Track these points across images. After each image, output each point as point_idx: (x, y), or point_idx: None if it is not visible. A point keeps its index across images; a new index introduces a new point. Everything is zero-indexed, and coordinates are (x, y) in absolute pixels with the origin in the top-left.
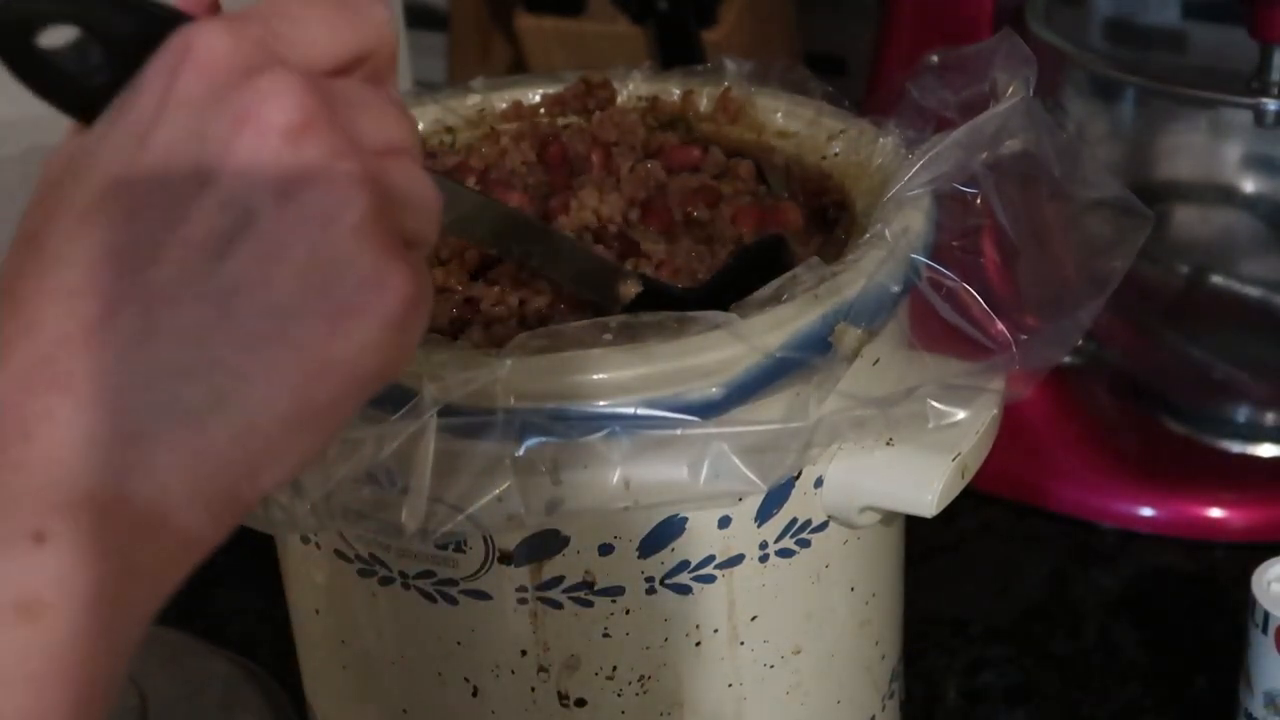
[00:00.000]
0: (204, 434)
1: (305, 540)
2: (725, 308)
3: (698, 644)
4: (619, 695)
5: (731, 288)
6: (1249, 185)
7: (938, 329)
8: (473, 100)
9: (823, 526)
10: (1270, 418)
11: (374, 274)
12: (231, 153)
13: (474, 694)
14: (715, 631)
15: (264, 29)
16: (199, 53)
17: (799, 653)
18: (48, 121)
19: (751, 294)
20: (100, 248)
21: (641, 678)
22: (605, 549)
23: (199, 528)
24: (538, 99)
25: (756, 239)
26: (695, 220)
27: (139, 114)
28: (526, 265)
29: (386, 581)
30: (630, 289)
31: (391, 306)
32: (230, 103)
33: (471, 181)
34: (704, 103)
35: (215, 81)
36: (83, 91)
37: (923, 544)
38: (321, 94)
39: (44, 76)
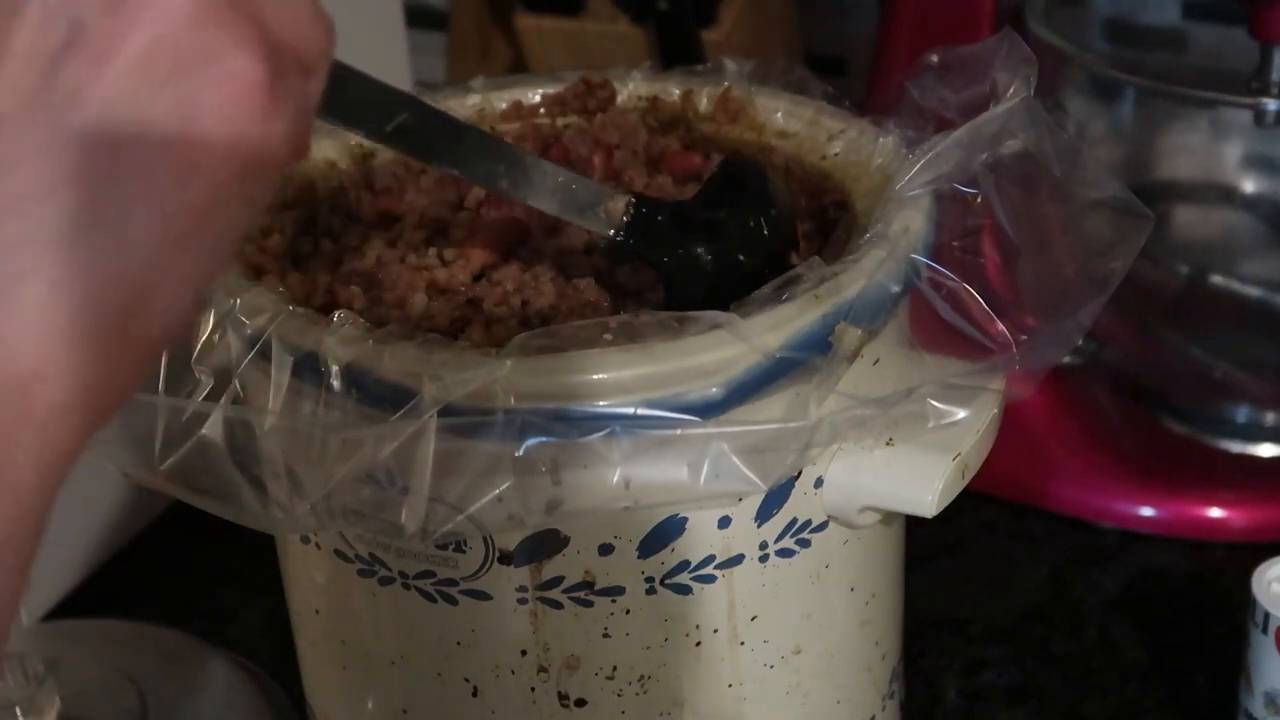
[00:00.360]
0: (75, 259)
1: (305, 540)
2: (715, 220)
3: (698, 644)
4: (619, 695)
5: (717, 201)
6: (1249, 185)
7: (938, 329)
8: (473, 100)
9: (823, 526)
10: (1270, 418)
11: (214, 51)
12: None
13: (474, 694)
14: (715, 631)
15: None
16: None
17: (799, 653)
18: None
19: (736, 209)
20: None
21: (641, 678)
22: (605, 549)
23: (80, 375)
24: (538, 99)
25: (736, 162)
26: None
27: None
28: (506, 193)
29: (386, 581)
30: (619, 205)
31: (238, 82)
32: None
33: None
34: (704, 103)
35: None
36: None
37: (923, 544)
38: None
39: None
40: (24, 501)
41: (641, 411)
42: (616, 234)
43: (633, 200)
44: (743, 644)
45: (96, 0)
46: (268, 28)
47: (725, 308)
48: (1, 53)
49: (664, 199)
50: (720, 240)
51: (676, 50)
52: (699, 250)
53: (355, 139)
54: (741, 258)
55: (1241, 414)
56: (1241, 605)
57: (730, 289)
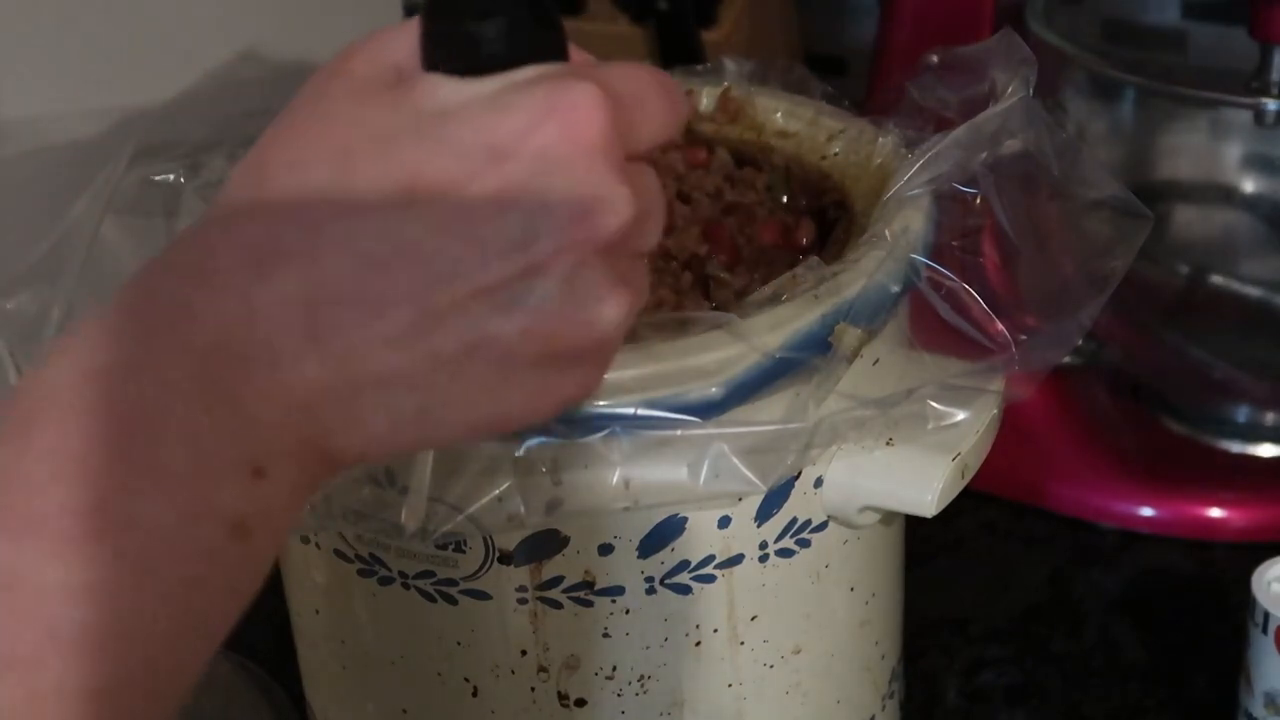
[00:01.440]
0: (398, 430)
1: (305, 540)
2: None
3: (698, 644)
4: (619, 695)
5: None
6: (1249, 185)
7: (938, 329)
8: None
9: (823, 526)
10: (1270, 418)
11: (581, 369)
12: (560, 231)
13: (474, 694)
14: (715, 631)
15: (626, 116)
16: (578, 117)
17: (799, 653)
18: (47, 122)
19: None
20: (410, 238)
21: (641, 678)
22: (605, 549)
23: (345, 470)
24: None
25: None
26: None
27: (498, 132)
28: None
29: (386, 581)
30: None
31: (573, 400)
32: (584, 184)
33: None
34: (704, 103)
35: (578, 152)
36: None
37: (923, 544)
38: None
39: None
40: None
41: (641, 412)
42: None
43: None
44: (743, 644)
45: (562, 287)
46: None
47: None
48: (478, 268)
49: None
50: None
51: (676, 50)
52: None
53: None
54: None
55: (1241, 414)
56: (1241, 605)
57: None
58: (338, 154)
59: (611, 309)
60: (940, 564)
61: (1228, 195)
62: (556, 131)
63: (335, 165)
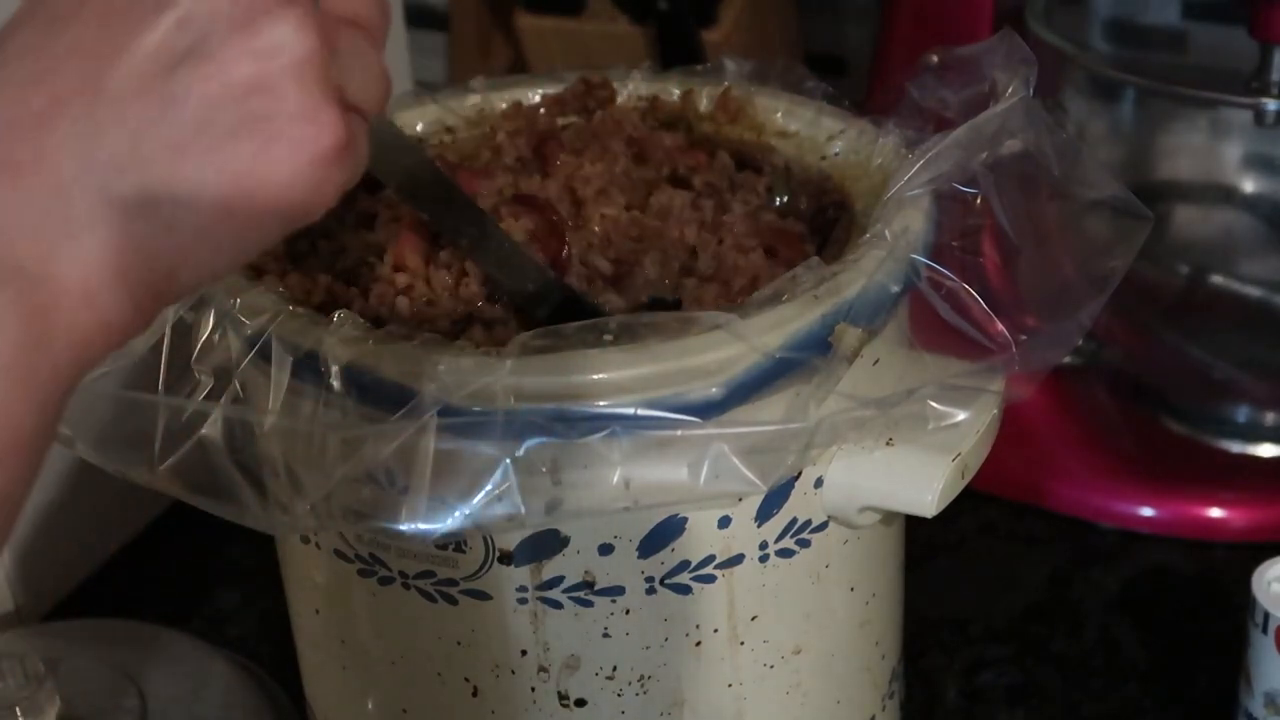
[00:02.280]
0: (129, 226)
1: (305, 540)
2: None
3: (698, 644)
4: (619, 695)
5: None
6: (1249, 185)
7: (938, 329)
8: (473, 100)
9: (823, 526)
10: (1270, 418)
11: (308, 111)
12: None
13: (474, 694)
14: (715, 631)
15: None
16: None
17: (799, 653)
18: None
19: None
20: (64, 46)
21: (641, 678)
22: (605, 549)
23: (119, 311)
24: (538, 99)
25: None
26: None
27: None
28: (458, 245)
29: (386, 581)
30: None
31: (320, 144)
32: None
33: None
34: (704, 103)
35: None
36: None
37: (923, 544)
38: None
39: None
40: (19, 423)
41: (641, 412)
42: (543, 317)
43: (563, 294)
44: (743, 644)
45: (226, 20)
46: (350, 89)
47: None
48: (135, 41)
49: (597, 304)
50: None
51: (676, 50)
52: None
53: None
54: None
55: (1241, 414)
56: (1241, 605)
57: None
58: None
59: (287, 28)
60: (940, 564)
61: (1228, 195)
62: None
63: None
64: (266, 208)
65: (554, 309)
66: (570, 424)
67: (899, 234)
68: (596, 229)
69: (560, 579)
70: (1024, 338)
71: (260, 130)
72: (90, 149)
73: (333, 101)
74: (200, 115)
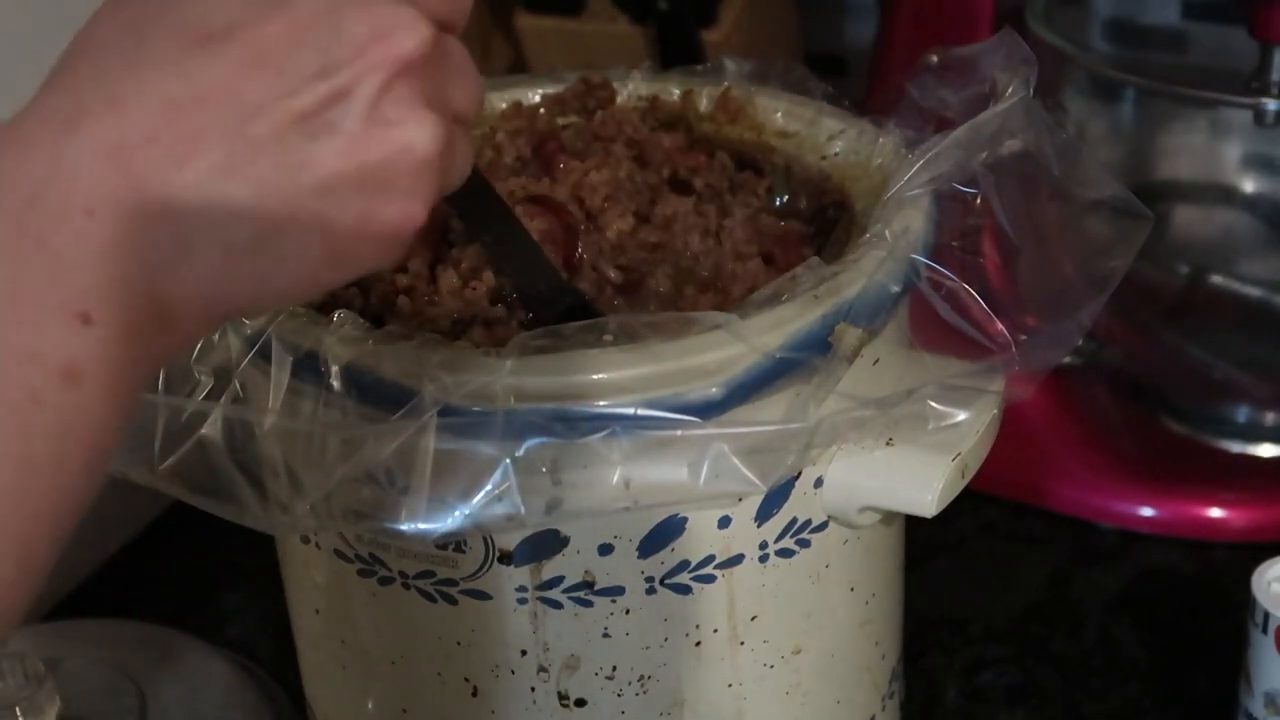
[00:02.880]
0: (232, 267)
1: (305, 540)
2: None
3: (698, 644)
4: (619, 695)
5: None
6: (1249, 185)
7: (938, 329)
8: None
9: (823, 526)
10: (1270, 418)
11: (418, 195)
12: (359, 56)
13: (474, 694)
14: (715, 631)
15: None
16: None
17: (799, 653)
18: None
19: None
20: (214, 79)
21: (641, 678)
22: (605, 549)
23: (195, 332)
24: (538, 99)
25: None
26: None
27: None
28: (481, 241)
29: (386, 581)
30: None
31: (405, 225)
32: (374, 9)
33: None
34: (704, 103)
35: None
36: None
37: (923, 544)
38: (435, 41)
39: None
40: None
41: (641, 412)
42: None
43: (574, 298)
44: (743, 644)
45: (369, 103)
46: (454, 104)
47: None
48: (287, 101)
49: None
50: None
51: (676, 50)
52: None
53: None
54: None
55: (1241, 414)
56: (1241, 605)
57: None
58: (128, 27)
59: (421, 128)
60: (940, 564)
61: (1228, 195)
62: None
63: (126, 36)
64: (342, 275)
65: (563, 313)
66: (570, 424)
67: (899, 234)
68: (610, 235)
69: (560, 579)
70: (1024, 338)
71: (372, 205)
72: (216, 194)
73: (431, 188)
74: (325, 184)
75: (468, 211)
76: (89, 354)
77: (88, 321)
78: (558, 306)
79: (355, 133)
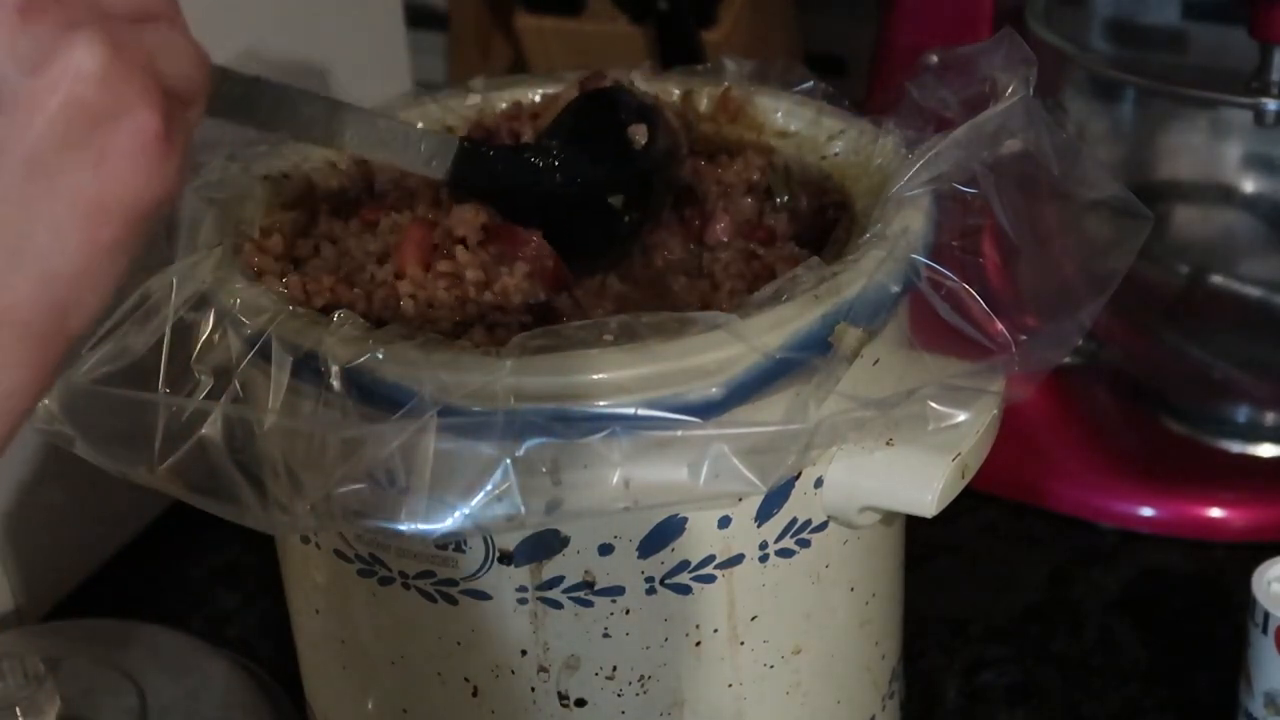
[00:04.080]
0: (8, 290)
1: (305, 540)
2: (552, 156)
3: (698, 644)
4: (619, 695)
5: (561, 135)
6: (1249, 185)
7: (938, 329)
8: (472, 100)
9: (823, 526)
10: (1270, 418)
11: (123, 114)
12: None
13: (474, 694)
14: (715, 631)
15: None
16: None
17: (799, 653)
18: None
19: (575, 141)
20: None
21: (641, 678)
22: (605, 549)
23: (19, 377)
24: (538, 99)
25: (593, 94)
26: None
27: None
28: (338, 145)
29: (386, 581)
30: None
31: (145, 138)
32: None
33: None
34: (704, 103)
35: None
36: None
37: (923, 544)
38: None
39: None
40: None
41: (641, 412)
42: (446, 176)
43: (462, 142)
44: (743, 644)
45: (19, 63)
46: (161, 74)
47: (587, 238)
48: None
49: (499, 142)
50: (555, 171)
51: (676, 50)
52: (525, 180)
53: None
54: (585, 182)
55: (1241, 414)
56: (1241, 605)
57: (585, 220)
58: None
59: (72, 49)
60: (940, 564)
61: (1228, 195)
62: None
63: None
64: (127, 218)
65: (454, 160)
66: (570, 424)
67: (899, 234)
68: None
69: (560, 579)
70: (1024, 338)
71: (89, 149)
72: None
73: (144, 95)
74: (26, 161)
75: (297, 127)
76: None
77: None
78: (446, 159)
79: (22, 95)
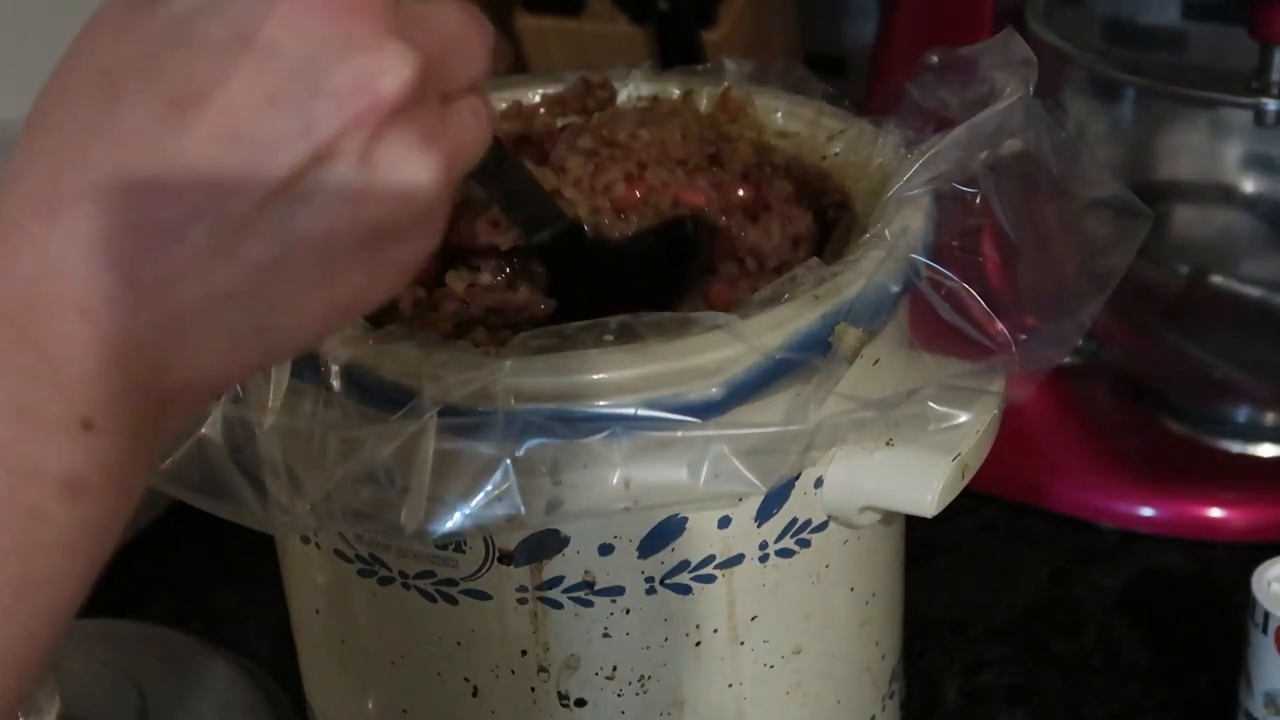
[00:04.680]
0: (236, 349)
1: (305, 540)
2: (638, 268)
3: (698, 644)
4: (619, 695)
5: (647, 252)
6: (1249, 185)
7: (938, 329)
8: None
9: (823, 526)
10: (1270, 418)
11: (428, 242)
12: (341, 109)
13: (474, 694)
14: (715, 631)
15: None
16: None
17: (799, 653)
18: None
19: (650, 259)
20: (190, 155)
21: (641, 678)
22: (605, 549)
23: (198, 409)
24: (538, 99)
25: (679, 218)
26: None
27: (240, 15)
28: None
29: (386, 581)
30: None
31: (421, 259)
32: (351, 53)
33: None
34: (704, 103)
35: (331, 16)
36: None
37: (923, 544)
38: (423, 75)
39: None
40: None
41: (641, 412)
42: (535, 243)
43: (568, 222)
44: (743, 644)
45: (360, 152)
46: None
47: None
48: (263, 171)
49: (608, 237)
50: (621, 282)
51: (676, 50)
52: (597, 285)
53: None
54: (635, 298)
55: (1241, 414)
56: (1241, 605)
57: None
58: (103, 78)
59: (421, 171)
60: (940, 564)
61: (1228, 195)
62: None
63: (101, 91)
64: (361, 313)
65: (556, 235)
66: (570, 424)
67: (899, 234)
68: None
69: (560, 579)
70: (1024, 338)
71: (378, 258)
72: (210, 278)
73: (444, 214)
74: (323, 250)
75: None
76: (91, 462)
77: (89, 428)
78: (549, 229)
79: (345, 195)
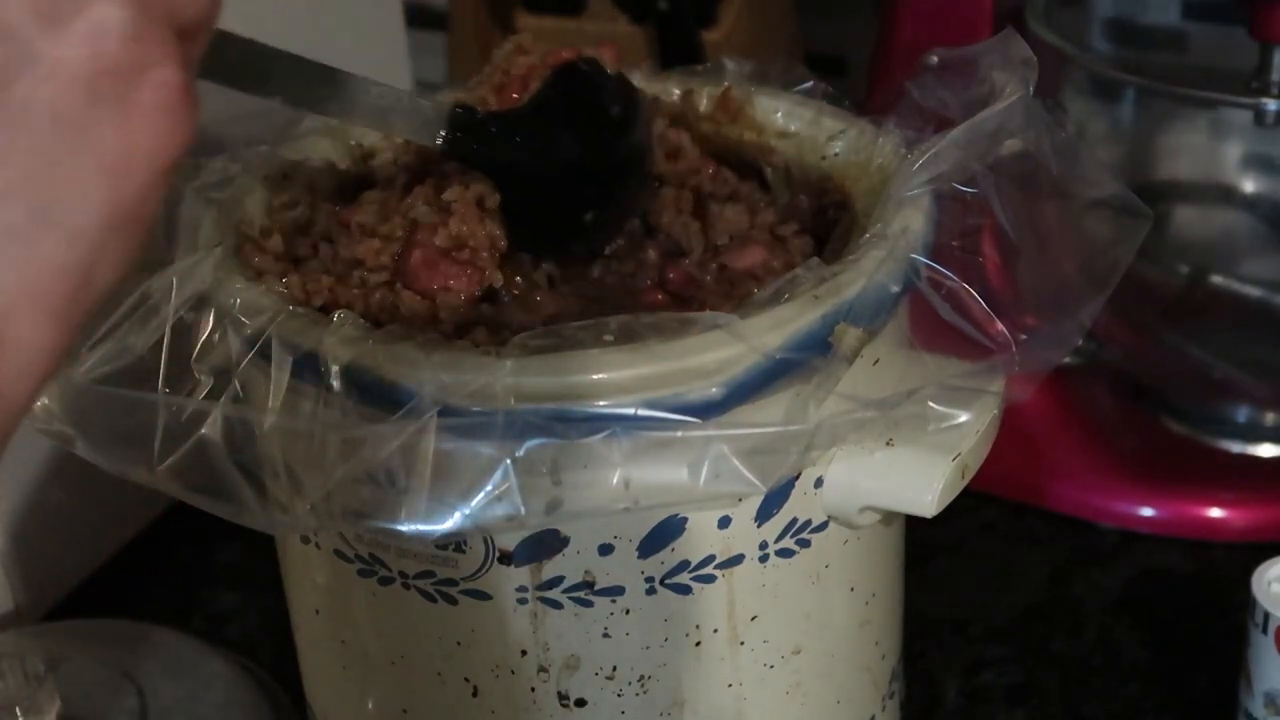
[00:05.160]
0: (33, 246)
1: (305, 540)
2: (543, 129)
3: (698, 644)
4: (619, 695)
5: (548, 108)
6: (1249, 185)
7: (938, 329)
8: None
9: (823, 527)
10: (1270, 418)
11: (149, 72)
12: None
13: (474, 694)
14: (715, 631)
15: None
16: None
17: (799, 653)
18: None
19: (567, 112)
20: None
21: (641, 678)
22: (605, 549)
23: (42, 335)
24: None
25: (572, 65)
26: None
27: None
28: (330, 113)
29: (386, 581)
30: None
31: (168, 93)
32: None
33: None
34: (704, 103)
35: None
36: None
37: (923, 544)
38: None
39: None
40: None
41: (641, 412)
42: (440, 142)
43: (456, 107)
44: (743, 644)
45: (35, 21)
46: (178, 18)
47: (575, 214)
48: None
49: (493, 109)
50: (548, 142)
51: (676, 50)
52: (523, 152)
53: (354, 139)
54: (573, 158)
55: (1241, 414)
56: (1241, 605)
57: (573, 193)
58: None
59: (98, 6)
60: (940, 564)
61: (1228, 195)
62: None
63: None
64: (148, 170)
65: (448, 126)
66: (570, 424)
67: (899, 234)
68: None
69: (560, 579)
70: (1024, 338)
71: (115, 105)
72: None
73: (168, 46)
74: (55, 117)
75: (294, 94)
76: None
77: None
78: (439, 127)
79: (45, 52)
